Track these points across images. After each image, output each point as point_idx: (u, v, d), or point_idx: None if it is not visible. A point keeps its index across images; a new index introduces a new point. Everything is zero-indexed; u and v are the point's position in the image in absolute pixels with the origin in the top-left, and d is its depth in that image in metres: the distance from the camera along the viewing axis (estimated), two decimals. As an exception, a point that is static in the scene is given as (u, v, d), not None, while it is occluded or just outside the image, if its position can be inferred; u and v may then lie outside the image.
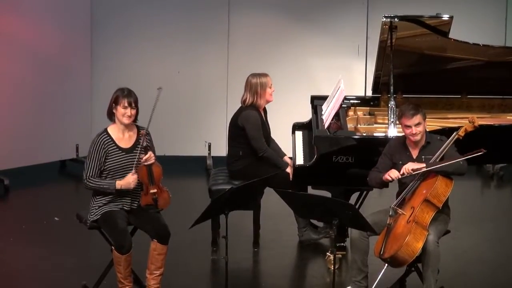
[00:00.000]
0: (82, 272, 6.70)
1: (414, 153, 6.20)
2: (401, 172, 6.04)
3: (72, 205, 7.85)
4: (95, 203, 6.19)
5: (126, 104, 6.10)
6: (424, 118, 6.14)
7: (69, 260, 7.03)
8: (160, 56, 9.63)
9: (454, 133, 6.19)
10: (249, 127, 7.18)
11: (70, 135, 9.50)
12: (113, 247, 6.08)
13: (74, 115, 9.48)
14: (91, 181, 6.10)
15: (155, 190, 6.17)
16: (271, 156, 7.22)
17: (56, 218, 8.00)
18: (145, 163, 6.11)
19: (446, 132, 6.51)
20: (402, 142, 6.25)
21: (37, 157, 9.29)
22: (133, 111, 6.13)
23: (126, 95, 6.12)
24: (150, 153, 6.14)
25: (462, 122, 6.84)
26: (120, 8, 9.55)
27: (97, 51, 9.56)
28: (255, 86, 7.21)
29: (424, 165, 6.03)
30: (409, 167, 6.03)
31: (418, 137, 6.15)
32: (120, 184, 6.09)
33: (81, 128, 9.50)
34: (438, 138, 6.25)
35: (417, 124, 6.11)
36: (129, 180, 6.10)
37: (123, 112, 6.11)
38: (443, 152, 6.08)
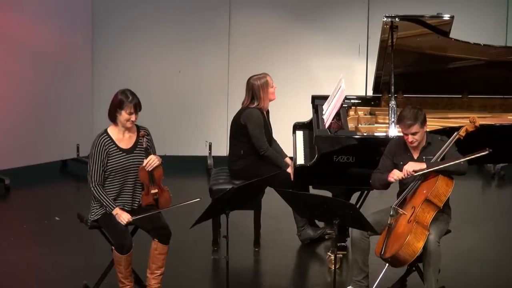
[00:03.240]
0: (82, 271, 6.70)
1: (415, 154, 6.19)
2: (403, 174, 6.03)
3: (73, 205, 7.86)
4: (95, 203, 6.19)
5: (132, 110, 6.07)
6: (423, 125, 6.09)
7: (69, 259, 7.03)
8: (161, 56, 9.62)
9: (455, 133, 6.19)
10: (251, 126, 7.17)
11: (71, 135, 9.50)
12: (113, 247, 6.08)
13: (75, 115, 9.47)
14: (96, 190, 6.09)
15: (156, 190, 6.17)
16: (272, 155, 7.21)
17: (57, 218, 8.00)
18: (148, 168, 6.10)
19: (447, 132, 6.50)
20: (402, 143, 6.22)
21: (38, 157, 9.29)
22: (137, 116, 6.12)
23: (131, 100, 6.06)
24: (150, 158, 6.13)
25: (463, 122, 6.83)
26: (121, 8, 9.54)
27: (98, 51, 9.55)
28: (258, 91, 7.19)
29: (425, 165, 6.02)
30: (410, 168, 6.01)
31: (415, 144, 6.13)
32: (117, 212, 6.07)
33: (82, 128, 9.49)
34: (439, 138, 6.23)
35: (414, 133, 6.10)
36: (123, 217, 6.06)
37: (128, 118, 6.08)
38: (444, 152, 6.08)
